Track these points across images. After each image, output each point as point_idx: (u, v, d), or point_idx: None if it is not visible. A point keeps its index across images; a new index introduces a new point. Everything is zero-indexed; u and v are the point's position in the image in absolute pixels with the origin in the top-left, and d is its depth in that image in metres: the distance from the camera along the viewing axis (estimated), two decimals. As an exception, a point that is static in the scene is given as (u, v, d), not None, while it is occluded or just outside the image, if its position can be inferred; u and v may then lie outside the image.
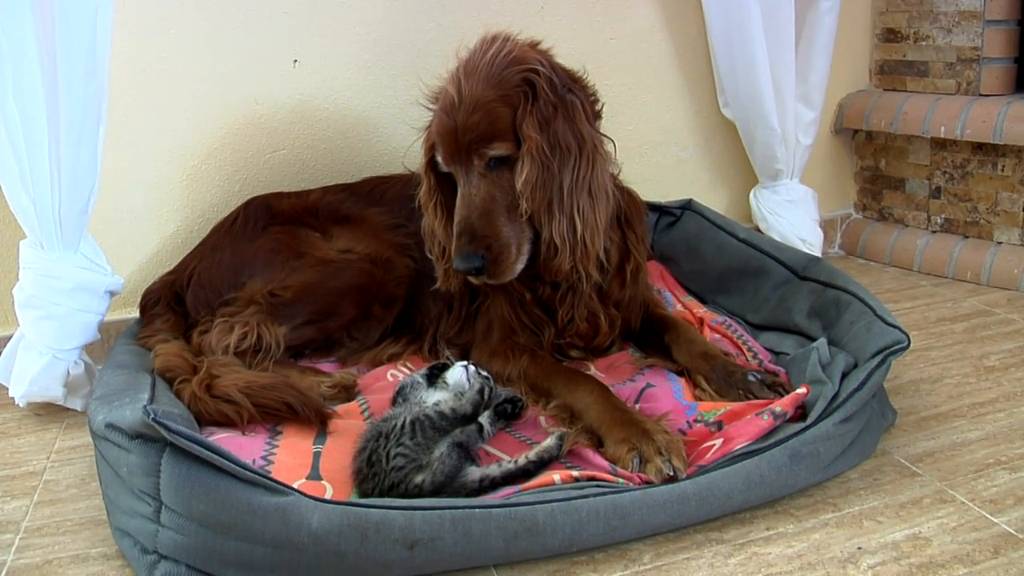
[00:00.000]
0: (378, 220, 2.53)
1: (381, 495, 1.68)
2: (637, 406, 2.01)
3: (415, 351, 2.41)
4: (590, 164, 2.01)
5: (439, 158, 2.07)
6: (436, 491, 1.67)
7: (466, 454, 1.76)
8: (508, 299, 2.24)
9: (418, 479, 1.68)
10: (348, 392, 2.20)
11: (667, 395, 2.07)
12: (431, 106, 2.14)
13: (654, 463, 1.73)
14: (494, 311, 2.28)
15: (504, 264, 2.02)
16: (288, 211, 2.54)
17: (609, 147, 2.14)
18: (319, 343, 2.42)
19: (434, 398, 1.86)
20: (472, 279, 2.07)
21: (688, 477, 1.71)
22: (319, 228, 2.51)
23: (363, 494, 1.72)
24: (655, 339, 2.29)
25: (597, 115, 2.15)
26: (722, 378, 2.01)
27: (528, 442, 1.91)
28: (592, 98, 2.14)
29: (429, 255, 2.25)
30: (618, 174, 2.27)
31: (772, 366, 2.23)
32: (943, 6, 3.20)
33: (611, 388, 2.03)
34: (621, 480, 1.73)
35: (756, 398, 1.92)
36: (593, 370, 2.27)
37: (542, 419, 2.00)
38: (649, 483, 1.71)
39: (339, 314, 2.39)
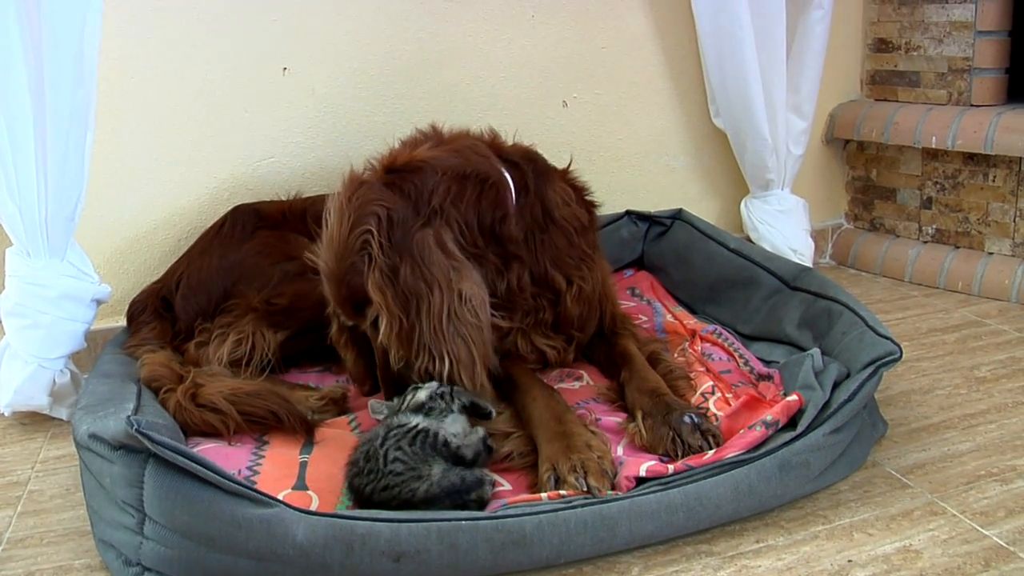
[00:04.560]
0: None
1: (372, 494, 1.67)
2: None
3: None
4: (444, 301, 1.93)
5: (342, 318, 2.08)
6: (428, 501, 1.65)
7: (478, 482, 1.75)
8: None
9: (415, 485, 1.66)
10: (338, 405, 2.18)
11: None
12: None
13: (568, 482, 1.72)
14: None
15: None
16: (276, 215, 2.54)
17: (470, 271, 2.03)
18: (317, 351, 2.39)
19: (453, 428, 1.82)
20: None
21: (676, 486, 1.69)
22: (307, 233, 2.50)
23: (353, 489, 1.71)
24: (616, 371, 2.25)
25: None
26: (659, 413, 1.96)
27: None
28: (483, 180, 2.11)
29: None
30: (570, 169, 2.33)
31: (764, 369, 2.22)
32: (934, 16, 3.20)
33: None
34: (610, 492, 1.71)
35: (683, 441, 1.88)
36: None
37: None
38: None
39: None
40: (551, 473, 1.76)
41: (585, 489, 1.69)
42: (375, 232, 1.93)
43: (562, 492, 1.70)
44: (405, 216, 1.97)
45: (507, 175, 2.16)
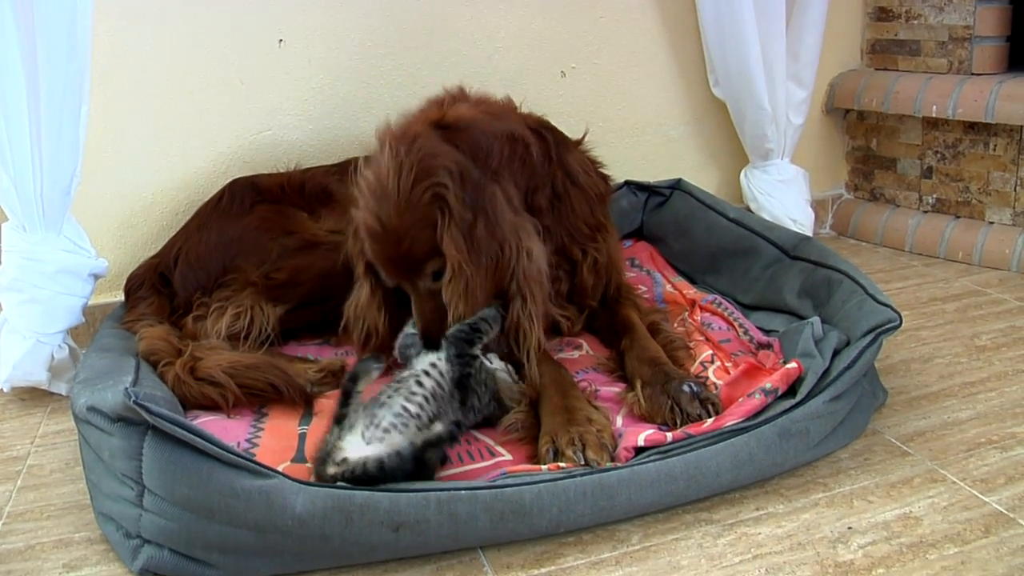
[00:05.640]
0: None
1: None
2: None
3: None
4: (517, 258, 1.96)
5: (383, 276, 2.03)
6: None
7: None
8: None
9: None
10: (337, 377, 2.16)
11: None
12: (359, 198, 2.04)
13: (566, 455, 1.72)
14: None
15: None
16: (274, 189, 2.53)
17: (534, 229, 2.06)
18: (316, 324, 2.41)
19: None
20: None
21: (675, 455, 1.69)
22: (306, 207, 2.50)
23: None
24: (616, 340, 2.25)
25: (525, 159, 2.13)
26: (658, 383, 1.96)
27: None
28: (523, 144, 2.12)
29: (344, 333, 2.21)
30: (584, 140, 2.34)
31: (764, 338, 2.22)
32: (935, -16, 3.18)
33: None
34: (609, 464, 1.71)
35: (681, 409, 1.87)
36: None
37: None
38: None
39: (333, 294, 2.36)
40: (550, 446, 1.76)
41: (583, 462, 1.69)
42: (450, 186, 1.91)
43: (561, 465, 1.70)
44: (473, 173, 1.96)
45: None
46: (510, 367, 1.99)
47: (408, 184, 1.90)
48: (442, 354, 1.84)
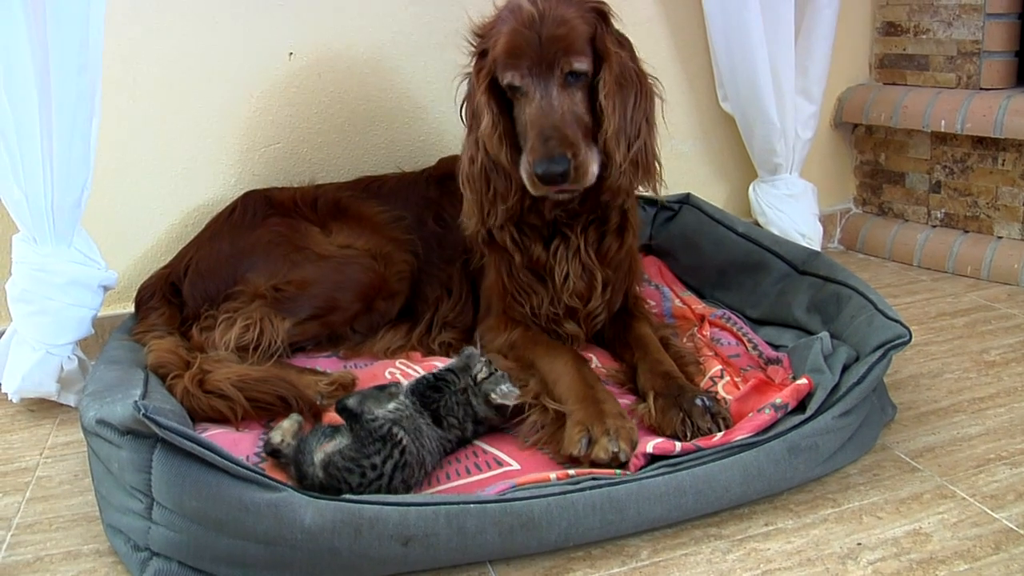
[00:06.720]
0: (377, 215, 2.52)
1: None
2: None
3: (417, 339, 2.42)
4: (648, 97, 2.11)
5: (507, 75, 2.05)
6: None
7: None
8: (498, 265, 2.27)
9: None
10: (347, 390, 2.17)
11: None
12: (474, 41, 2.16)
13: (600, 443, 1.74)
14: (489, 281, 2.33)
15: (584, 171, 2.01)
16: (287, 203, 2.53)
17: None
18: (323, 338, 2.41)
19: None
20: (549, 192, 2.04)
21: (685, 469, 1.69)
22: (318, 222, 2.50)
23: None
24: (628, 353, 2.26)
25: None
26: (671, 395, 1.96)
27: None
28: None
29: (462, 188, 2.21)
30: None
31: (773, 353, 2.22)
32: (944, -1, 3.19)
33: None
34: (619, 472, 1.71)
35: (693, 422, 1.88)
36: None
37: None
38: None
39: (342, 309, 2.38)
40: (585, 435, 1.77)
41: (615, 451, 1.71)
42: (610, 7, 2.09)
43: (570, 472, 1.71)
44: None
45: None
46: (503, 373, 1.98)
47: None
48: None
